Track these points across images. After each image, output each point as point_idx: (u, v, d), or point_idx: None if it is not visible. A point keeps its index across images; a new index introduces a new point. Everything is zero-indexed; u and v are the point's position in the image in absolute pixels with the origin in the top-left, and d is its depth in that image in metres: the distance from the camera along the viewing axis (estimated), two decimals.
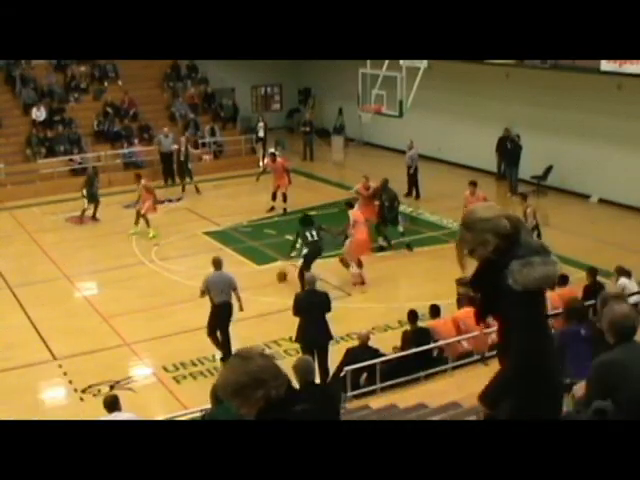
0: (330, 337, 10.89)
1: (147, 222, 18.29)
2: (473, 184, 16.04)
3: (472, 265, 3.95)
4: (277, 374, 3.15)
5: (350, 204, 15.95)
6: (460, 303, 11.20)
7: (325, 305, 10.82)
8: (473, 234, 3.75)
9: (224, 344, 11.71)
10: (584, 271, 12.46)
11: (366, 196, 17.10)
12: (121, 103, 25.44)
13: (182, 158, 22.41)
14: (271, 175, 20.51)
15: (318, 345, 10.56)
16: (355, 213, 15.46)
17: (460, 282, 3.82)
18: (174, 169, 22.87)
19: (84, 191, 19.34)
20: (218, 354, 11.92)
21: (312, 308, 10.70)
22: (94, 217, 19.57)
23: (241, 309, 11.92)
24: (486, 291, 3.89)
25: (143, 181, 18.87)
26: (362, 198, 17.18)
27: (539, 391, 3.83)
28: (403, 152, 21.79)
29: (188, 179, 22.34)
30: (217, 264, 11.97)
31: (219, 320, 11.78)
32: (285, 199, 19.73)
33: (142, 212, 18.29)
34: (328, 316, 10.89)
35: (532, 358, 3.77)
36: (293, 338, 11.12)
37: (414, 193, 21.21)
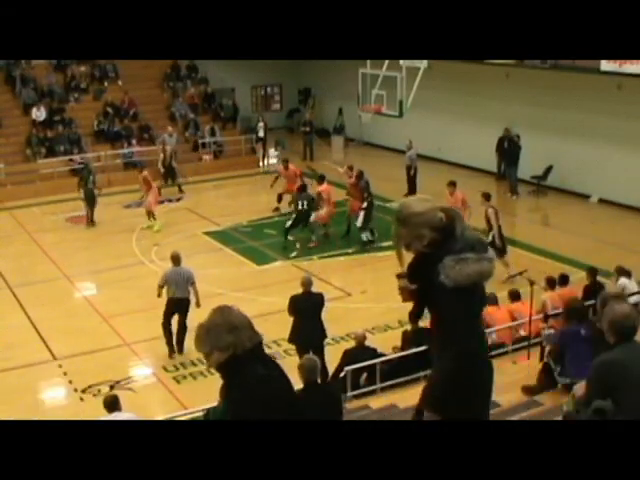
0: (325, 336, 10.94)
1: (153, 216, 18.54)
2: (452, 184, 15.91)
3: (410, 258, 3.92)
4: (250, 326, 3.28)
5: (322, 177, 17.65)
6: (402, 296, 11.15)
7: (321, 306, 10.89)
8: (408, 229, 3.73)
9: (179, 335, 11.92)
10: (584, 271, 12.45)
11: (351, 184, 17.59)
12: (121, 103, 25.43)
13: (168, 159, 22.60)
14: (280, 179, 20.38)
15: (313, 345, 10.58)
16: (324, 188, 17.18)
17: (399, 276, 3.81)
18: (175, 168, 22.89)
19: (81, 193, 18.94)
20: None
21: (308, 309, 10.76)
22: (91, 220, 18.89)
23: (197, 305, 11.93)
24: (422, 284, 3.87)
25: (144, 172, 19.07)
26: (351, 188, 17.66)
27: (468, 388, 3.83)
28: (403, 152, 21.79)
29: (170, 180, 22.50)
30: (175, 259, 12.15)
31: (176, 315, 11.96)
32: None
33: (148, 209, 18.52)
34: (324, 317, 10.93)
35: (462, 358, 3.76)
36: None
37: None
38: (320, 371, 10.26)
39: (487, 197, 14.84)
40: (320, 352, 10.62)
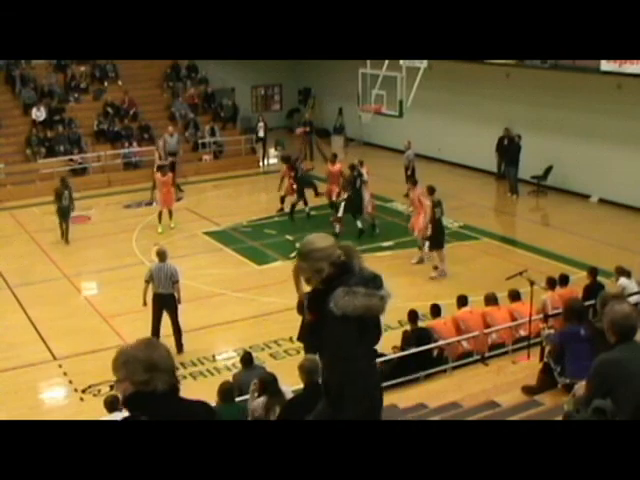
0: None
1: (170, 214, 18.50)
2: (413, 182, 16.50)
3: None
4: (171, 371, 3.21)
5: (335, 156, 19.50)
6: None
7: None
8: (308, 263, 3.95)
9: (176, 336, 11.93)
10: (584, 271, 12.45)
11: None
12: (121, 103, 25.42)
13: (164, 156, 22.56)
14: (283, 180, 20.32)
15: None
16: (338, 167, 18.86)
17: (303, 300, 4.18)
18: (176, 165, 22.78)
19: (55, 208, 17.87)
20: (221, 354, 12.00)
21: None
22: (65, 238, 17.82)
23: (178, 301, 12.04)
24: (318, 314, 4.04)
25: (170, 173, 19.07)
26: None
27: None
28: (403, 152, 21.80)
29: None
30: (160, 255, 12.22)
31: (165, 313, 12.02)
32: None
33: (169, 209, 18.53)
34: None
35: (341, 384, 3.90)
36: (294, 338, 11.12)
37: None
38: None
39: (430, 191, 15.33)
40: None
